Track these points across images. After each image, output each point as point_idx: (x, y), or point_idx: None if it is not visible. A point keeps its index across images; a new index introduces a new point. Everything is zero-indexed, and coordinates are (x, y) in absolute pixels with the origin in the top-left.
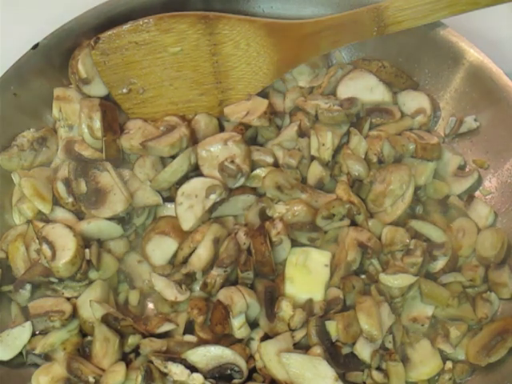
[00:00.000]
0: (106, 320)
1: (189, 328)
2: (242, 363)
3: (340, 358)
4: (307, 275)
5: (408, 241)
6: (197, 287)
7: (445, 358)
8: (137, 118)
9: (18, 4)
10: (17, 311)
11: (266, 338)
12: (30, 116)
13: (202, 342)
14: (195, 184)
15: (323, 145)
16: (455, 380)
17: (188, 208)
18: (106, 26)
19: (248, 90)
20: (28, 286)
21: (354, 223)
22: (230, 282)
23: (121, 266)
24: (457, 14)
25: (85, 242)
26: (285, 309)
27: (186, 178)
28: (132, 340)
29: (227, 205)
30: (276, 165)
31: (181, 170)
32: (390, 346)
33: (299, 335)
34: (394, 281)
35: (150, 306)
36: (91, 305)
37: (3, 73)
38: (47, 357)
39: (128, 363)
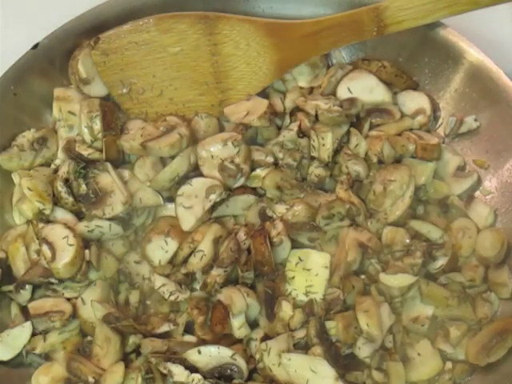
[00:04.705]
0: (106, 320)
1: (189, 328)
2: (241, 363)
3: (340, 358)
4: (307, 276)
5: (408, 241)
6: (197, 287)
7: (445, 357)
8: (137, 117)
9: (17, 4)
10: (17, 311)
11: (266, 338)
12: (29, 116)
13: (202, 342)
14: (195, 184)
15: (323, 145)
16: (455, 380)
17: (188, 208)
18: (106, 26)
19: (248, 90)
20: (28, 287)
21: (354, 223)
22: (230, 281)
23: (121, 266)
24: (457, 14)
25: (85, 242)
26: (285, 309)
27: (186, 178)
28: (133, 340)
29: (227, 205)
30: (276, 165)
31: (181, 169)
32: (390, 345)
33: (299, 335)
34: (394, 281)
35: (150, 305)
36: (92, 305)
37: (3, 73)
38: (47, 357)
39: (129, 363)
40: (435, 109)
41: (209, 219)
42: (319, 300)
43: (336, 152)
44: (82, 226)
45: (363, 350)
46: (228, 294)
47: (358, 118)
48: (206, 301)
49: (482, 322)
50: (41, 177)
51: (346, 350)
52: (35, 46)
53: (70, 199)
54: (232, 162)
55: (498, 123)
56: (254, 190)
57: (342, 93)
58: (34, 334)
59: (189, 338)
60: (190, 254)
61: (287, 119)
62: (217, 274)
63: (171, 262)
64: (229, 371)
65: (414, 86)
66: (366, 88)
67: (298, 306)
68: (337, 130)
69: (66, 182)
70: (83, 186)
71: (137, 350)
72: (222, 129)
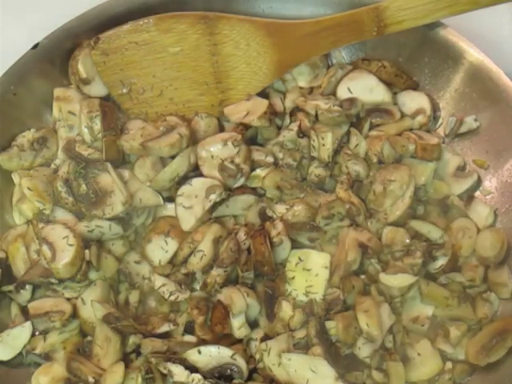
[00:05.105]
0: (107, 320)
1: (189, 328)
2: (241, 363)
3: (340, 358)
4: (307, 276)
5: (408, 241)
6: (197, 287)
7: (445, 358)
8: (137, 117)
9: (17, 4)
10: (17, 311)
11: (266, 338)
12: (30, 116)
13: (202, 342)
14: (195, 184)
15: (323, 145)
16: (455, 380)
17: (188, 208)
18: (106, 26)
19: (248, 90)
20: (28, 287)
21: (354, 223)
22: (230, 281)
23: (121, 266)
24: (457, 14)
25: (84, 242)
26: (285, 309)
27: (185, 178)
28: (133, 340)
29: (227, 205)
30: (276, 165)
31: (181, 169)
32: (389, 345)
33: (299, 335)
34: (394, 281)
35: (150, 305)
36: (92, 305)
37: (3, 73)
38: (47, 357)
39: (129, 363)
40: (435, 109)
41: (209, 219)
42: (319, 300)
43: (336, 152)
44: (82, 226)
45: (363, 350)
46: (228, 294)
47: (358, 118)
48: (206, 301)
49: (482, 322)
50: (41, 177)
51: (346, 350)
52: (35, 46)
53: (70, 199)
54: (232, 162)
55: (498, 123)
56: (254, 190)
57: (342, 93)
58: (33, 334)
59: (189, 337)
60: (190, 254)
61: (287, 119)
62: (217, 273)
63: (171, 262)
64: (229, 371)
65: (414, 86)
66: (366, 88)
67: (298, 306)
68: (337, 129)
69: (66, 182)
70: (83, 186)
71: (137, 350)
72: (222, 129)
